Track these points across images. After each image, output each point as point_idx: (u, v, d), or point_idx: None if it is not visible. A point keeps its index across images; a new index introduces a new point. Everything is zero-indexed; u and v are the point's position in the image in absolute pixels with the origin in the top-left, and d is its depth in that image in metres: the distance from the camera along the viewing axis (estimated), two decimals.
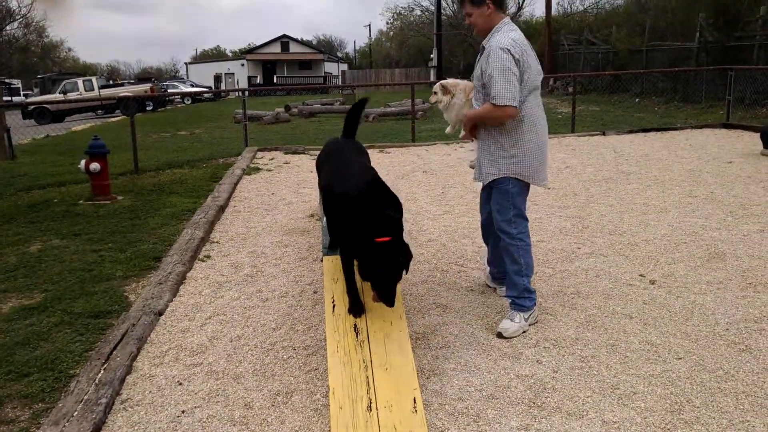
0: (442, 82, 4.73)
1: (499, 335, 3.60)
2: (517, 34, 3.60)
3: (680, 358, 3.31)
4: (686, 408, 2.86)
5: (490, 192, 3.82)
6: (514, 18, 39.90)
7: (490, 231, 4.00)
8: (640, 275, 4.54)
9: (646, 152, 10.07)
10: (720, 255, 4.92)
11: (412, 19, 51.40)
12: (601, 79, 23.56)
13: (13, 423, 2.93)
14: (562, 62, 29.95)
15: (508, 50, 3.47)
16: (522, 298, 3.70)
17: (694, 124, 13.54)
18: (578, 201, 6.91)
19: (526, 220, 3.77)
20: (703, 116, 15.34)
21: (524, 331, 3.65)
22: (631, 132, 12.79)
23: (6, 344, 3.73)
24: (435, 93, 4.74)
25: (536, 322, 3.75)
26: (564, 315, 3.88)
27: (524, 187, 3.74)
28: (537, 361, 3.32)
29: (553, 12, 31.99)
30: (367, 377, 2.92)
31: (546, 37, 30.04)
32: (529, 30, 38.12)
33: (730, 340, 3.50)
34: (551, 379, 3.13)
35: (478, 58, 3.75)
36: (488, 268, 4.34)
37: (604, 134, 12.59)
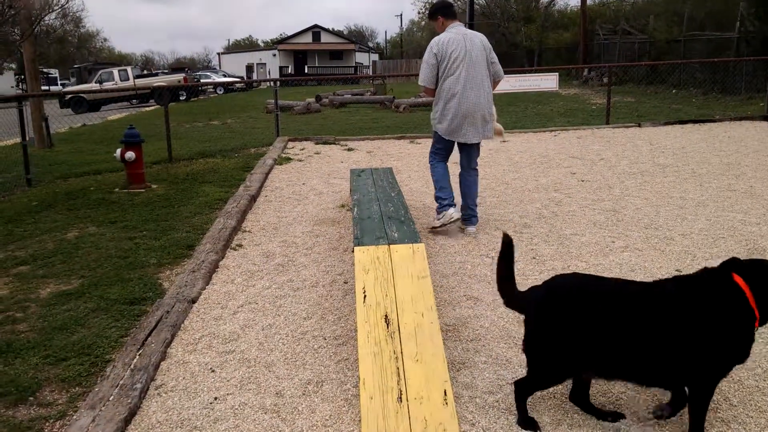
0: None
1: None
2: (447, 35, 5.18)
3: None
4: (723, 406, 2.80)
5: None
6: (548, 7, 39.35)
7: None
8: (677, 270, 4.45)
9: (683, 145, 9.85)
10: (759, 250, 4.80)
11: None
12: (637, 69, 23.09)
13: (51, 406, 3.00)
14: (597, 52, 29.45)
15: (431, 47, 5.19)
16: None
17: (733, 116, 13.19)
18: (613, 194, 6.79)
19: (438, 160, 5.60)
20: (743, 108, 14.94)
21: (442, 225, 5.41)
22: (667, 124, 12.52)
23: (45, 329, 3.83)
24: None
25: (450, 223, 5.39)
26: None
27: (442, 139, 5.46)
28: None
29: (589, 1, 31.43)
30: (398, 368, 2.92)
31: (581, 26, 29.57)
32: (563, 20, 37.61)
33: None
34: None
35: None
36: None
37: (639, 126, 12.35)
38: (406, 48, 68.25)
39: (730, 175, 7.51)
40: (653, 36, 24.46)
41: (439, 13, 5.28)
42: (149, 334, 3.54)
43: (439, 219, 5.44)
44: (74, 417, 2.81)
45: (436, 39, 5.19)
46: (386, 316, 3.23)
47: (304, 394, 3.02)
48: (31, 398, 3.07)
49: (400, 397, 2.77)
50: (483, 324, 3.70)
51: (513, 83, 13.45)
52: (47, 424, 2.85)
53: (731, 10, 20.02)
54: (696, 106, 16.39)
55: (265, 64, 57.89)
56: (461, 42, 5.14)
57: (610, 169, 8.12)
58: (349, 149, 10.65)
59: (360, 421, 2.70)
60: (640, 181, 7.36)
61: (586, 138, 11.08)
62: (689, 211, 5.97)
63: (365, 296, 3.36)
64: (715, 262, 2.67)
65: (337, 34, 62.64)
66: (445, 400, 2.76)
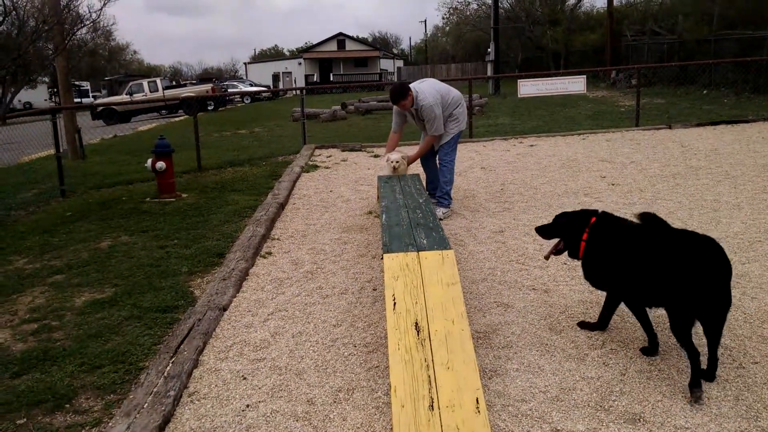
0: (400, 157, 6.65)
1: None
2: (428, 98, 6.33)
3: (756, 363, 3.16)
4: (763, 415, 2.72)
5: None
6: (574, 9, 39.01)
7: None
8: None
9: (715, 146, 9.66)
10: None
11: (468, 13, 50.91)
12: (667, 70, 22.73)
13: (86, 413, 3.05)
14: (625, 53, 29.09)
15: (434, 107, 6.31)
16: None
17: (766, 116, 12.91)
18: (644, 197, 6.69)
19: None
20: None
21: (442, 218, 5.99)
22: (699, 125, 12.29)
23: (80, 336, 3.89)
24: (397, 162, 6.54)
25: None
26: (631, 316, 3.74)
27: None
28: (603, 364, 3.23)
29: (615, 2, 31.06)
30: (429, 376, 2.90)
31: (608, 27, 29.25)
32: (590, 21, 37.24)
33: None
34: (619, 382, 3.04)
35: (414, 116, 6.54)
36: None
37: (670, 128, 12.15)
38: (431, 53, 68.24)
39: (765, 176, 7.33)
40: (682, 36, 24.08)
41: (401, 98, 6.32)
42: (181, 342, 3.58)
43: (447, 214, 6.41)
44: (110, 424, 2.85)
45: (432, 101, 6.29)
46: (416, 323, 3.22)
47: (335, 402, 3.02)
48: (67, 405, 3.12)
49: (432, 405, 2.75)
50: (514, 331, 3.66)
51: (540, 87, 13.35)
52: (83, 431, 2.89)
53: (763, 8, 19.64)
54: (728, 107, 16.07)
55: (290, 72, 58.39)
56: (431, 92, 6.39)
57: (641, 172, 8.00)
58: (376, 156, 10.67)
59: (392, 429, 2.68)
60: (672, 184, 7.24)
61: (615, 141, 10.93)
62: (724, 214, 5.85)
63: (395, 303, 3.35)
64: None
65: (361, 41, 62.94)
66: (477, 408, 2.73)
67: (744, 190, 6.73)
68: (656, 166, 8.34)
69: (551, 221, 3.70)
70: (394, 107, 6.59)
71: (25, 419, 3.02)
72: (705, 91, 19.99)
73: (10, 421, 3.00)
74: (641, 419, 2.73)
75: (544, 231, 3.72)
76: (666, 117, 14.28)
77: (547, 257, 3.74)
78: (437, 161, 6.68)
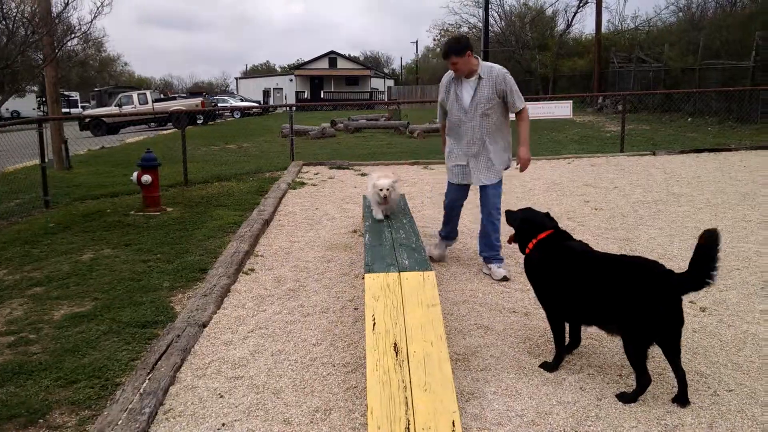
0: (389, 181, 5.24)
1: (505, 278, 4.99)
2: None
3: (731, 390, 3.19)
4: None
5: (485, 188, 5.14)
6: (563, 35, 39.57)
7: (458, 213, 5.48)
8: (690, 302, 4.40)
9: (698, 173, 9.80)
10: None
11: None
12: (652, 97, 23.08)
13: (60, 428, 3.01)
14: (612, 80, 29.49)
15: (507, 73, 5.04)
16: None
17: (749, 145, 13.13)
18: (626, 223, 6.76)
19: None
20: (759, 137, 14.85)
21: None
22: (682, 152, 12.48)
23: (57, 350, 3.85)
24: (388, 190, 5.15)
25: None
26: (609, 341, 3.78)
27: None
28: (580, 388, 3.24)
29: (603, 29, 31.56)
30: (406, 398, 2.90)
31: (595, 54, 29.67)
32: (578, 47, 37.75)
33: None
34: (595, 407, 3.06)
35: (456, 86, 5.06)
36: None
37: (654, 154, 12.33)
38: (422, 74, 68.83)
39: (745, 205, 7.45)
40: (668, 64, 24.48)
41: (471, 50, 4.95)
42: (159, 358, 3.55)
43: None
44: None
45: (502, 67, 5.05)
46: (395, 344, 3.22)
47: (311, 422, 3.00)
48: (41, 420, 3.08)
49: (408, 428, 2.75)
50: (493, 354, 3.68)
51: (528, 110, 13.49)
52: None
53: (746, 39, 20.02)
54: (712, 135, 16.33)
55: (281, 89, 58.58)
56: None
57: (624, 198, 8.09)
58: (363, 174, 10.71)
59: None
60: (654, 210, 7.32)
61: (600, 166, 11.06)
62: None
63: (374, 324, 3.36)
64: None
65: (353, 60, 63.38)
66: (453, 431, 2.73)
67: (724, 218, 6.82)
68: (639, 192, 8.44)
69: (517, 210, 3.88)
70: (443, 80, 5.22)
71: None
72: (689, 119, 20.30)
73: None
74: None
75: (508, 217, 3.90)
76: (651, 143, 14.49)
77: (509, 242, 3.88)
78: (483, 207, 5.17)
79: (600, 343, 3.77)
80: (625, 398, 3.11)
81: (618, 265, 3.22)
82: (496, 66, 5.04)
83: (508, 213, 3.91)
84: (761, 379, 3.31)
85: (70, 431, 2.98)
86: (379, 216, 5.20)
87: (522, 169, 5.13)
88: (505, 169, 5.19)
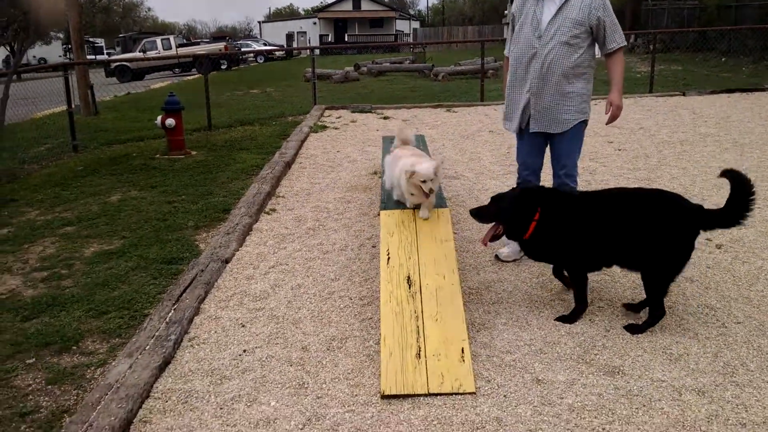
0: (432, 167, 3.55)
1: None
2: None
3: (739, 323, 3.24)
4: (740, 371, 2.82)
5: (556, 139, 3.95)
6: None
7: None
8: (707, 239, 4.41)
9: (727, 114, 9.57)
10: None
11: None
12: (686, 36, 22.28)
13: (93, 354, 3.20)
14: (645, 18, 28.47)
15: None
16: None
17: None
18: (649, 163, 6.70)
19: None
20: None
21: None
22: (713, 93, 12.14)
23: (88, 284, 4.05)
24: (430, 181, 3.53)
25: None
26: (621, 276, 3.84)
27: None
28: (589, 320, 3.32)
29: None
30: (418, 327, 3.02)
31: None
32: None
33: None
34: (602, 337, 3.14)
35: (535, 1, 3.78)
36: None
37: (684, 95, 12.02)
38: (448, 15, 67.15)
39: None
40: (703, 1, 23.52)
41: None
42: (184, 291, 3.72)
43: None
44: (113, 363, 3.00)
45: None
46: (409, 277, 3.32)
47: (328, 350, 3.15)
48: (74, 347, 3.28)
49: (419, 354, 2.88)
50: (506, 288, 3.76)
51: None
52: (89, 370, 3.05)
53: None
54: (745, 75, 15.81)
55: (305, 32, 57.75)
56: None
57: (648, 138, 7.97)
58: (385, 118, 10.68)
59: (380, 375, 2.81)
60: (678, 150, 7.23)
61: (627, 107, 10.79)
62: (726, 181, 5.84)
63: (389, 258, 3.45)
64: None
65: (377, 1, 61.95)
66: (462, 357, 2.85)
67: (750, 158, 6.71)
68: (665, 132, 8.30)
69: (488, 203, 3.38)
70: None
71: (34, 359, 3.18)
72: (723, 59, 19.63)
73: (20, 361, 3.16)
74: (620, 372, 2.83)
75: (480, 215, 3.35)
76: (682, 84, 14.10)
77: (485, 243, 3.36)
78: (559, 179, 3.99)
79: (612, 278, 3.82)
80: (634, 329, 3.18)
81: (645, 200, 3.16)
82: None
83: (479, 211, 3.35)
84: None
85: (102, 356, 3.17)
86: (425, 214, 3.71)
87: (611, 120, 3.93)
88: (583, 122, 3.94)
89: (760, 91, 12.04)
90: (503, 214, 3.30)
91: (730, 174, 3.06)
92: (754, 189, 2.98)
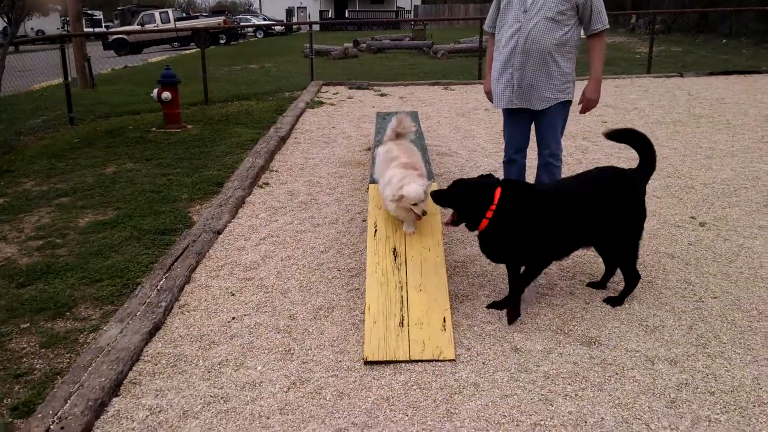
0: (422, 187, 3.36)
1: None
2: None
3: (715, 297, 3.33)
4: (712, 343, 2.91)
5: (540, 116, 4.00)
6: None
7: None
8: (691, 217, 4.49)
9: (722, 95, 9.60)
10: None
11: None
12: (687, 17, 22.19)
13: (86, 320, 3.29)
14: None
15: None
16: None
17: None
18: None
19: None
20: None
21: None
22: (711, 74, 12.16)
23: (82, 253, 4.12)
24: (422, 202, 3.36)
25: None
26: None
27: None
28: (570, 293, 3.41)
29: None
30: (402, 297, 3.10)
31: None
32: None
33: None
34: (581, 309, 3.23)
35: None
36: None
37: (681, 76, 12.03)
38: None
39: (765, 126, 7.35)
40: None
41: None
42: (175, 260, 3.79)
43: None
44: (104, 328, 3.08)
45: None
46: (395, 249, 3.40)
47: (315, 318, 3.23)
48: (67, 313, 3.36)
49: (402, 323, 2.96)
50: (491, 261, 3.83)
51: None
52: (81, 335, 3.13)
53: None
54: (745, 57, 15.78)
55: (305, 8, 57.18)
56: None
57: (642, 118, 8.01)
58: (382, 94, 10.69)
59: (363, 342, 2.90)
60: (671, 131, 7.27)
61: (624, 87, 10.86)
62: (716, 161, 5.92)
63: (376, 230, 3.53)
64: None
65: None
66: (444, 326, 2.94)
67: (741, 139, 6.77)
68: (659, 113, 8.34)
69: (447, 188, 3.20)
70: None
71: (28, 324, 3.26)
72: (724, 41, 19.56)
73: (15, 325, 3.25)
74: (596, 342, 2.92)
75: (439, 198, 3.18)
76: (680, 65, 14.09)
77: (447, 223, 3.19)
78: (543, 159, 4.06)
79: (594, 253, 3.89)
80: (613, 301, 3.27)
81: (594, 181, 3.24)
82: None
83: (438, 194, 3.17)
84: (748, 288, 3.43)
85: (95, 322, 3.25)
86: (411, 229, 3.53)
87: (584, 110, 3.98)
88: (565, 101, 3.92)
89: (757, 74, 12.06)
90: (454, 200, 3.12)
91: (628, 134, 3.39)
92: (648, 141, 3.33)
